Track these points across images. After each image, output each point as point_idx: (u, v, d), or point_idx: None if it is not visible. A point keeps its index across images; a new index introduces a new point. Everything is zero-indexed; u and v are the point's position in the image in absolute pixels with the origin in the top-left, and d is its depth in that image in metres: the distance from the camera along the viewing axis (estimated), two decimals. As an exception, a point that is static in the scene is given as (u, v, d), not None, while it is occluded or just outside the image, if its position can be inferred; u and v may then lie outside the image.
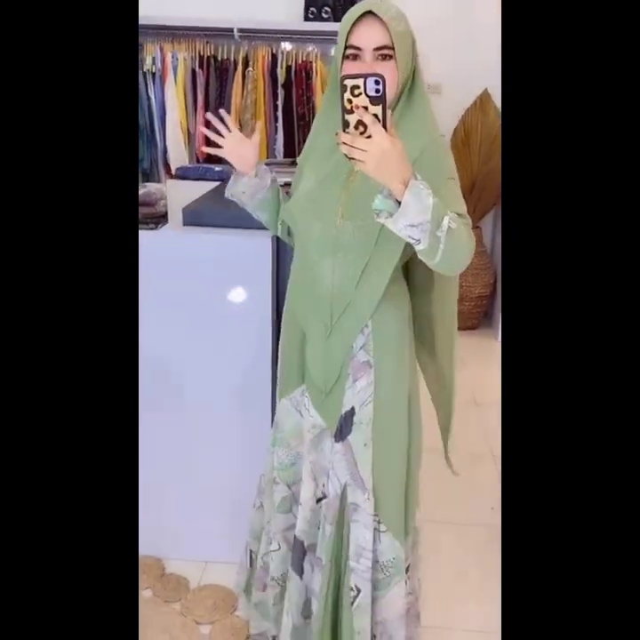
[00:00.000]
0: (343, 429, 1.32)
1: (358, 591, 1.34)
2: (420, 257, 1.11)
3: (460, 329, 3.99)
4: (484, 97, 3.46)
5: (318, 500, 1.39)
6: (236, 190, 1.36)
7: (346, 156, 1.02)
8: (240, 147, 1.30)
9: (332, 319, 1.28)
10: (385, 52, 1.14)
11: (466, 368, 3.25)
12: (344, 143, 1.00)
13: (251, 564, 1.59)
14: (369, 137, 0.99)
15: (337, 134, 1.01)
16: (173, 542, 1.89)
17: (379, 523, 1.34)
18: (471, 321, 3.74)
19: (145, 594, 1.77)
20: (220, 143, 1.30)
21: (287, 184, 1.47)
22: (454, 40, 3.49)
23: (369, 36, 1.13)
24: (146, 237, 1.68)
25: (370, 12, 1.13)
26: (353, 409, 1.31)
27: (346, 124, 1.01)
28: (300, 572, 1.42)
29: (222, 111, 1.34)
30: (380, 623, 1.39)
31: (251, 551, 1.59)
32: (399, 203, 1.03)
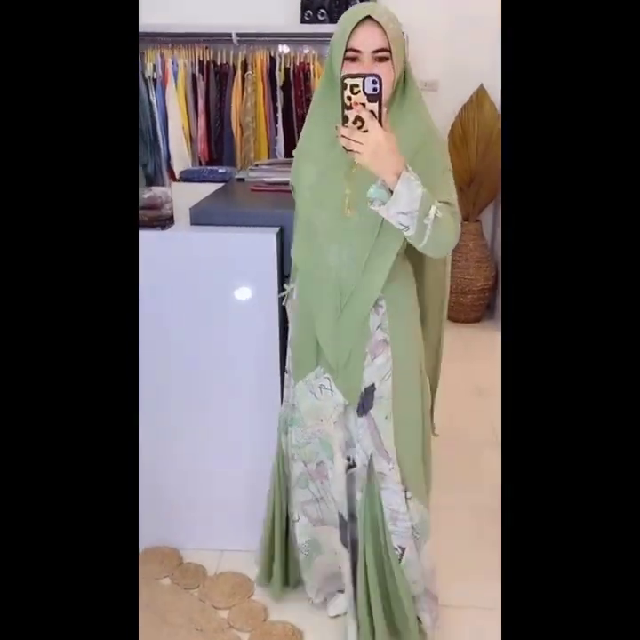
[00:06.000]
0: (365, 404, 1.42)
1: (403, 550, 1.48)
2: (408, 241, 1.24)
3: (463, 322, 4.05)
4: (480, 93, 3.51)
5: (347, 471, 1.50)
6: None
7: (344, 148, 1.11)
8: None
9: (341, 301, 1.37)
10: (382, 54, 1.21)
11: (469, 359, 3.30)
12: (343, 136, 1.10)
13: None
14: (366, 131, 1.10)
15: (337, 128, 1.11)
16: (190, 533, 1.95)
17: (405, 491, 1.45)
18: (474, 314, 3.79)
19: (164, 582, 1.83)
20: None
21: (288, 182, 1.53)
22: (450, 38, 3.55)
23: (368, 40, 1.20)
24: (155, 237, 1.74)
25: (368, 17, 1.19)
26: (373, 385, 1.41)
27: (345, 119, 1.10)
28: (347, 545, 1.54)
29: None
30: (415, 582, 1.51)
31: None
32: (391, 192, 1.13)
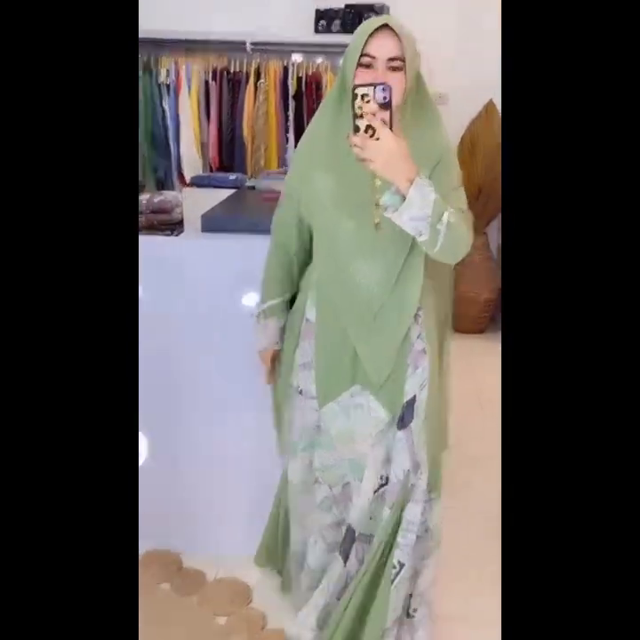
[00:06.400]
0: (405, 417, 1.41)
1: (401, 566, 1.42)
2: (422, 247, 1.25)
3: (467, 333, 4.03)
4: (490, 107, 3.53)
5: (376, 491, 1.46)
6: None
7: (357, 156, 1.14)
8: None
9: (374, 316, 1.36)
10: (396, 63, 1.23)
11: (472, 371, 3.31)
12: (355, 145, 1.14)
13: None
14: (377, 139, 1.14)
15: (348, 137, 1.14)
16: (190, 537, 1.95)
17: (430, 492, 1.45)
18: (478, 325, 3.81)
19: (163, 587, 1.83)
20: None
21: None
22: (460, 52, 3.57)
23: (383, 47, 1.23)
24: (166, 243, 1.76)
25: (385, 26, 1.22)
26: (414, 397, 1.41)
27: (356, 128, 1.15)
28: (346, 559, 1.49)
29: None
30: (418, 595, 1.48)
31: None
32: (405, 198, 1.15)
